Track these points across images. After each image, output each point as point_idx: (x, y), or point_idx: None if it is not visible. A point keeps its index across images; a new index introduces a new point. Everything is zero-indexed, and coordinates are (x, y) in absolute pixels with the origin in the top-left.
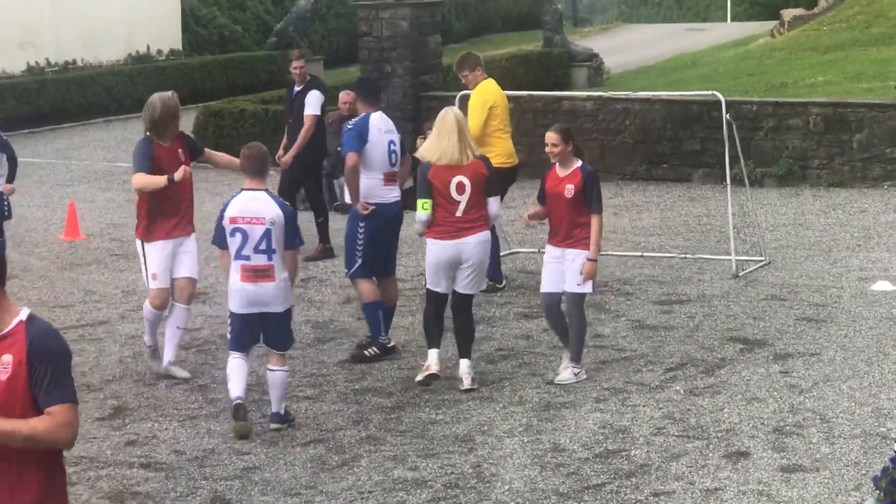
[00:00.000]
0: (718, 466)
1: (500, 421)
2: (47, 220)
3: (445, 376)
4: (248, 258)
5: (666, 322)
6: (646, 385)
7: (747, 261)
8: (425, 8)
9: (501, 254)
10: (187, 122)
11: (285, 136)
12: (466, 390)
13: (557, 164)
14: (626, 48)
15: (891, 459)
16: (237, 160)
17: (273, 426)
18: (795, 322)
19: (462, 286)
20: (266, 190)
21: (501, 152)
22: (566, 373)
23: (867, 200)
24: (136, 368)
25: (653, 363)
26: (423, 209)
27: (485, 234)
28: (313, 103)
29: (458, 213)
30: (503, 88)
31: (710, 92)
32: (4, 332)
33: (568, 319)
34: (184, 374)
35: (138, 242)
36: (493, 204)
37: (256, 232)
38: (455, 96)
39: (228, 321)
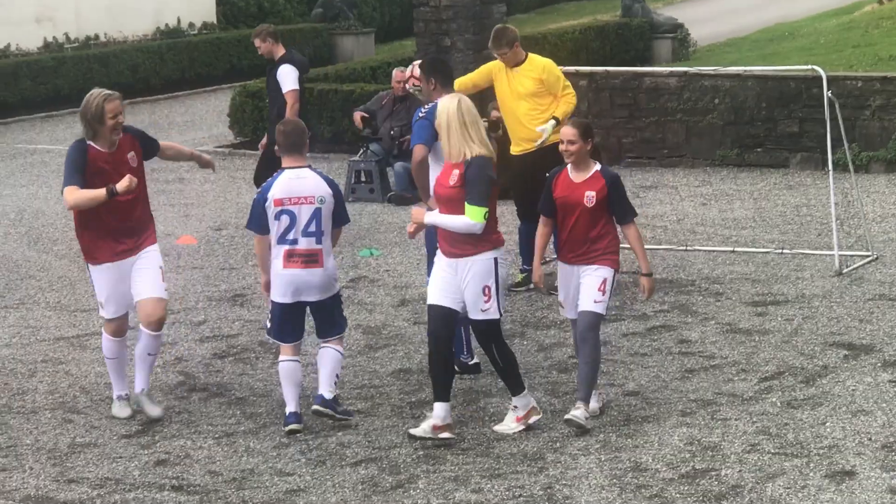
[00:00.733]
0: (820, 487)
1: (573, 437)
2: (67, 214)
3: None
4: (294, 242)
5: (760, 326)
6: (738, 396)
7: (852, 256)
8: None
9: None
10: (222, 103)
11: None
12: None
13: (570, 166)
14: (715, 17)
15: None
16: (186, 149)
17: (315, 408)
18: None
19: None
20: (309, 166)
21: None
22: (578, 412)
23: None
24: (167, 380)
25: (746, 372)
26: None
27: None
28: (286, 79)
29: None
30: (576, 63)
31: (809, 66)
32: None
33: (580, 347)
34: (156, 411)
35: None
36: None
37: (305, 213)
38: None
39: (269, 311)
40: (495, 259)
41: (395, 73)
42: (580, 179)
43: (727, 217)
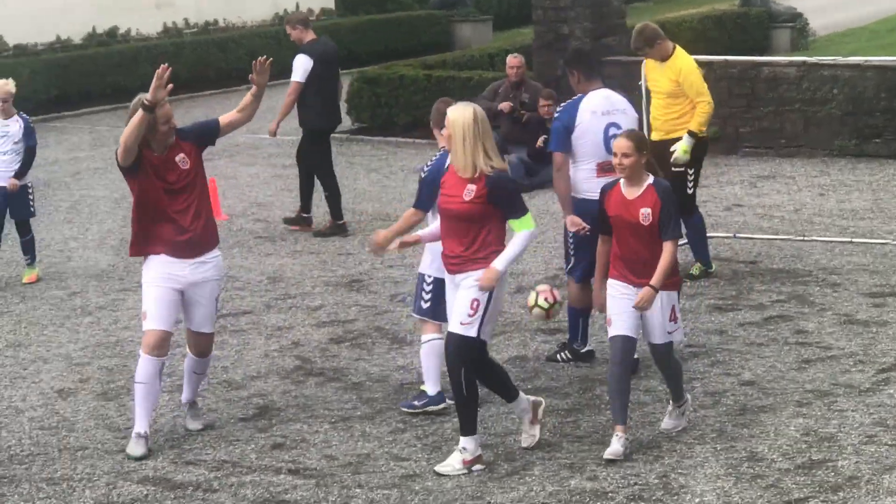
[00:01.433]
0: None
1: (689, 426)
2: None
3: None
4: None
5: (878, 317)
6: (855, 388)
7: None
8: None
9: (682, 242)
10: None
11: None
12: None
13: (623, 181)
14: (835, 6)
15: None
16: (245, 101)
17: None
18: None
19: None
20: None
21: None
22: (669, 419)
23: None
24: (284, 364)
25: (863, 363)
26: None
27: None
28: (296, 69)
29: None
30: (694, 52)
31: None
32: None
33: (662, 371)
34: (196, 424)
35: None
36: None
37: None
38: (641, 62)
39: (425, 287)
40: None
41: (509, 59)
42: (633, 196)
43: (845, 208)
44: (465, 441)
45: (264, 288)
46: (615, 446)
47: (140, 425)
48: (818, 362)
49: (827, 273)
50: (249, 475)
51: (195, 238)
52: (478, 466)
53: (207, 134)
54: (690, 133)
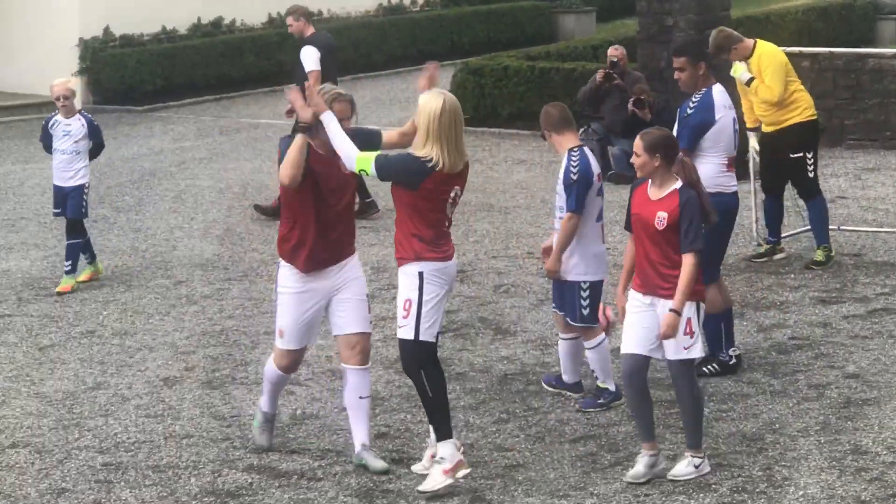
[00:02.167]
0: None
1: (793, 418)
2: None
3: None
4: (601, 220)
5: None
6: None
7: None
8: None
9: (794, 231)
10: (443, 79)
11: None
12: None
13: (650, 181)
14: None
15: None
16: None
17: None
18: None
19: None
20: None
21: (808, 104)
22: (681, 465)
23: None
24: (387, 353)
25: None
26: None
27: None
28: (307, 59)
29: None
30: (799, 44)
31: None
32: None
33: (676, 395)
34: (380, 464)
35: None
36: None
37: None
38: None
39: (582, 294)
40: (420, 273)
41: (610, 50)
42: (657, 196)
43: None
44: (441, 448)
45: (368, 278)
46: (637, 468)
47: (265, 404)
48: None
49: None
50: (353, 464)
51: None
52: (462, 472)
53: (369, 146)
54: (751, 76)
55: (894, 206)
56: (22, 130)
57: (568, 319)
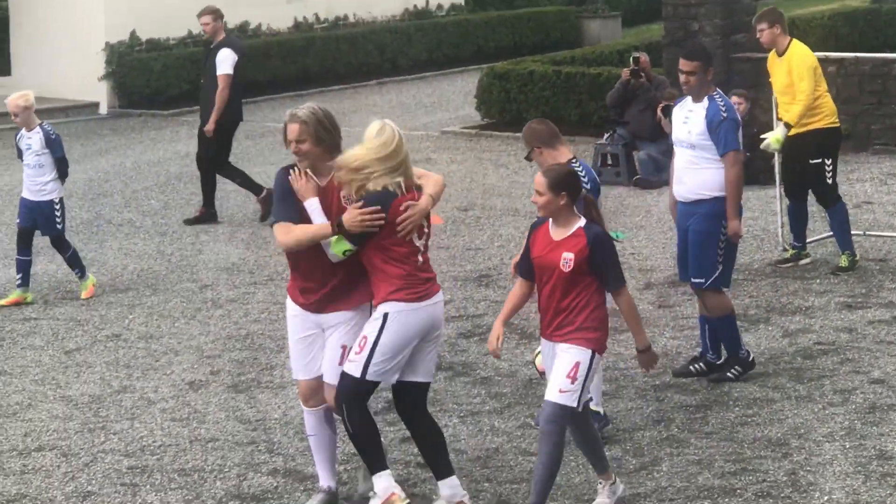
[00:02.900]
0: None
1: (818, 423)
2: None
3: (759, 368)
4: None
5: None
6: None
7: None
8: None
9: (820, 236)
10: (469, 84)
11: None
12: None
13: (550, 220)
14: None
15: None
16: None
17: None
18: None
19: (424, 373)
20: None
21: (831, 111)
22: (601, 497)
23: None
24: None
25: None
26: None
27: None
28: (223, 62)
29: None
30: (825, 49)
31: None
32: None
33: (538, 442)
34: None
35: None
36: None
37: None
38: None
39: None
40: (385, 314)
41: (635, 55)
42: (560, 237)
43: None
44: (374, 482)
45: None
46: (600, 499)
47: (322, 477)
48: None
49: None
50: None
51: None
52: (398, 500)
53: None
54: (786, 124)
55: None
56: None
57: None
